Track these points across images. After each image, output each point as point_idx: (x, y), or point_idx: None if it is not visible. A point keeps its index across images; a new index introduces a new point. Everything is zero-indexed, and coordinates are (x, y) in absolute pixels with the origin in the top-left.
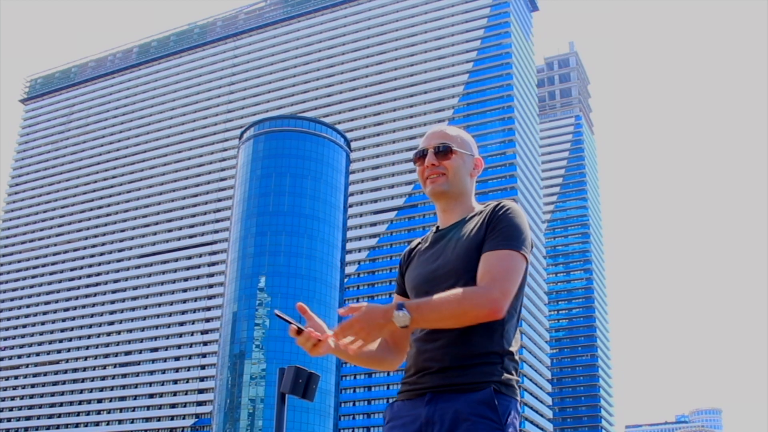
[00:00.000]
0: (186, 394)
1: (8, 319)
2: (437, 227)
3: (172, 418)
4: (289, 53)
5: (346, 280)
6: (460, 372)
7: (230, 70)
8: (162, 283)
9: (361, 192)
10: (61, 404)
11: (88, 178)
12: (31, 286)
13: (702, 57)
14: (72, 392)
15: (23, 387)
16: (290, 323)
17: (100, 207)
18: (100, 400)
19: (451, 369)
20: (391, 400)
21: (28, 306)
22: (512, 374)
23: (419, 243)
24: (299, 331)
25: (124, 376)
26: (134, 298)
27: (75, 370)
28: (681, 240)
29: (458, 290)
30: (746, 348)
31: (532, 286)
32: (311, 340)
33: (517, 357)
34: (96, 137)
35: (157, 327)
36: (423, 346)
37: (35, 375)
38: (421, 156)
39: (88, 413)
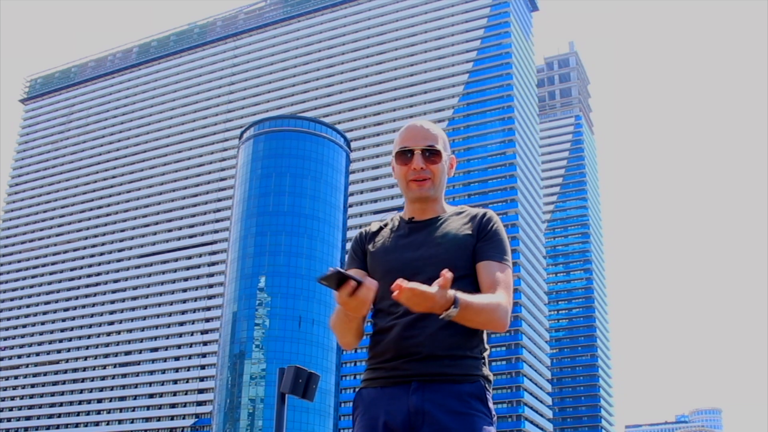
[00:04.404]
0: (186, 394)
1: (8, 319)
2: (411, 218)
3: (172, 418)
4: (289, 53)
5: None
6: (450, 362)
7: (230, 70)
8: (162, 283)
9: (361, 192)
10: (61, 404)
11: (88, 178)
12: (31, 286)
13: (702, 57)
14: (72, 392)
15: (23, 387)
16: (351, 278)
17: (100, 207)
18: (100, 400)
19: (440, 358)
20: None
21: (28, 306)
22: (489, 371)
23: (381, 227)
24: (354, 289)
25: (124, 376)
26: (134, 298)
27: (75, 370)
28: (681, 240)
29: (493, 299)
30: (746, 348)
31: (532, 286)
32: (371, 292)
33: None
34: (96, 137)
35: (157, 327)
36: (408, 332)
37: (35, 375)
38: (405, 156)
39: (88, 413)
